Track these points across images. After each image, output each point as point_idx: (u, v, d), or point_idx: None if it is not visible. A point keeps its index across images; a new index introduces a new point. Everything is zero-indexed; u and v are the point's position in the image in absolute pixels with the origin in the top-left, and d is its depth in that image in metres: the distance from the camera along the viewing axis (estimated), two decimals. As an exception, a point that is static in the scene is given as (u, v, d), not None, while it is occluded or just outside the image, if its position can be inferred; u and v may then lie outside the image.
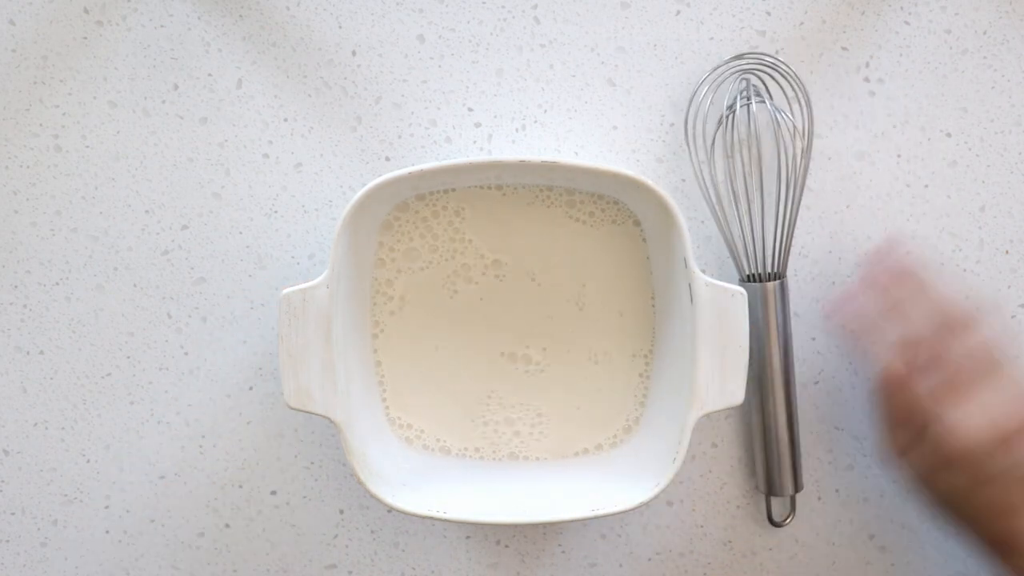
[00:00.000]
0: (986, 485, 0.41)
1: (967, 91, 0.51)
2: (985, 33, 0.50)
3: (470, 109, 0.50)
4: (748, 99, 0.49)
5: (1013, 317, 0.51)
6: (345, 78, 0.50)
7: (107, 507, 0.51)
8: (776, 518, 0.51)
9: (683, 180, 0.50)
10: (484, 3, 0.50)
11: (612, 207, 0.49)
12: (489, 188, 0.49)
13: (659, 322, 0.49)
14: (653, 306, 0.49)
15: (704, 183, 0.48)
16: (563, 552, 0.52)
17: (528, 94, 0.50)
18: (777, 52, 0.50)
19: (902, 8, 0.50)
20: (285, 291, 0.44)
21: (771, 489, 0.49)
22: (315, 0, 0.50)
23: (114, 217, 0.50)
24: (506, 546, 0.51)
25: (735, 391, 0.45)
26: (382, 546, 0.52)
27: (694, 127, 0.49)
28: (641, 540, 0.51)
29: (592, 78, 0.50)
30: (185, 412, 0.51)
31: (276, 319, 0.50)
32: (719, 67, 0.49)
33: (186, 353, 0.51)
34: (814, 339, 0.51)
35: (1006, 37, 0.50)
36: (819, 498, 0.51)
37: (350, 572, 0.52)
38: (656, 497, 0.45)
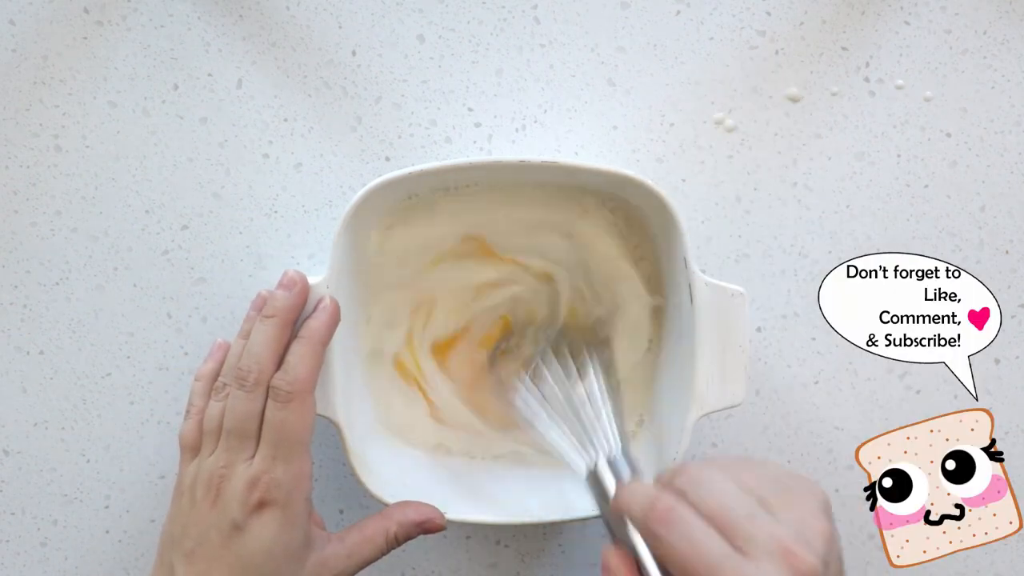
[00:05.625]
0: None
1: (967, 91, 0.51)
2: (985, 33, 0.50)
3: (470, 109, 0.50)
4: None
5: (1013, 317, 0.51)
6: (345, 78, 0.50)
7: (107, 507, 0.51)
8: (776, 518, 0.51)
9: (683, 180, 0.50)
10: (484, 3, 0.50)
11: (612, 207, 0.49)
12: (489, 188, 0.48)
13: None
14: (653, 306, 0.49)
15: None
16: (563, 552, 0.52)
17: (528, 94, 0.50)
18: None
19: (902, 8, 0.50)
20: (285, 291, 0.44)
21: (771, 489, 0.49)
22: (315, 0, 0.50)
23: (114, 217, 0.50)
24: (506, 546, 0.51)
25: (735, 391, 0.45)
26: (382, 546, 0.51)
27: None
28: (641, 540, 0.51)
29: (592, 78, 0.50)
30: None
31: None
32: None
33: (186, 353, 0.51)
34: (814, 339, 0.51)
35: (1006, 37, 0.50)
36: (819, 498, 0.51)
37: (350, 572, 0.52)
38: (656, 497, 0.44)
